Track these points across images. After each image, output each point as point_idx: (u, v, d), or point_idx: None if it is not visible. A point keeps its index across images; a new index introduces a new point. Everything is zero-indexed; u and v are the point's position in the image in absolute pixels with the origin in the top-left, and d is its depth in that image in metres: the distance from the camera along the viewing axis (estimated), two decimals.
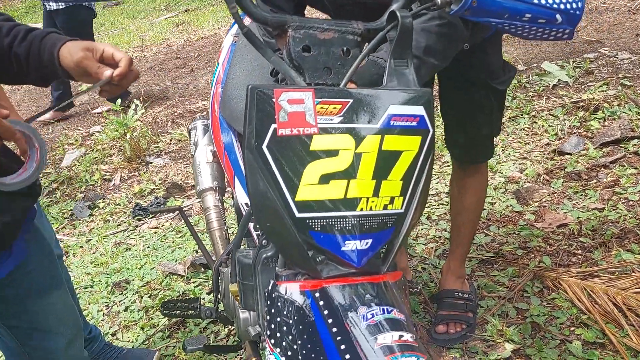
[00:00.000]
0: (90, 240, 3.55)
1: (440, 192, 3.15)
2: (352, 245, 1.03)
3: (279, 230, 1.02)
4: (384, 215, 1.05)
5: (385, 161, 1.04)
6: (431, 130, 1.08)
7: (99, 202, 3.97)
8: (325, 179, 1.00)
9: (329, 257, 1.05)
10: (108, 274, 3.05)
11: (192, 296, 2.54)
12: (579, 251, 2.45)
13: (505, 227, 2.71)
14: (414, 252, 2.69)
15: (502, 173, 3.16)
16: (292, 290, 1.04)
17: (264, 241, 1.21)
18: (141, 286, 2.87)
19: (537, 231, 2.60)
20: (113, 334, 2.56)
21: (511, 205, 2.85)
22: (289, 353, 1.04)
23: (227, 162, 1.64)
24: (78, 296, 2.86)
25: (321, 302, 1.01)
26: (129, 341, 2.48)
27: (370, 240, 1.04)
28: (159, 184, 3.98)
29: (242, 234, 1.40)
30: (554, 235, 2.57)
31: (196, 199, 3.51)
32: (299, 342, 1.02)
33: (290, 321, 1.04)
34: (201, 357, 2.21)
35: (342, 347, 0.95)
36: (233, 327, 2.11)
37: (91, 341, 2.24)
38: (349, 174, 1.01)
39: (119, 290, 2.89)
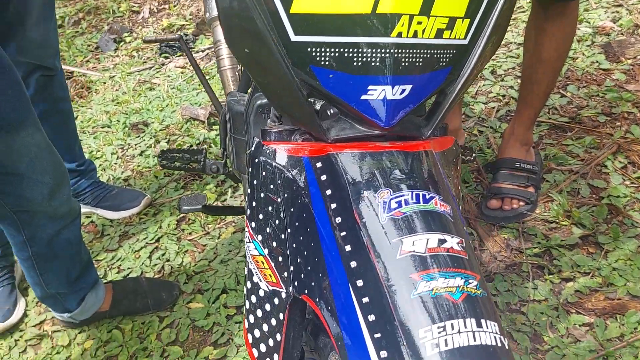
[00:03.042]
0: (113, 76, 3.25)
1: (510, 43, 2.66)
2: (379, 93, 0.65)
3: (263, 62, 0.64)
4: (437, 47, 0.66)
5: None
6: None
7: (126, 36, 3.61)
8: None
9: (342, 110, 0.68)
10: (127, 114, 2.77)
11: (202, 147, 2.23)
12: None
13: (587, 88, 2.24)
14: (470, 111, 2.28)
15: (589, 22, 2.61)
16: (282, 155, 0.69)
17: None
18: (160, 130, 2.58)
19: (627, 94, 2.12)
20: (125, 179, 2.31)
21: (597, 62, 2.35)
22: (274, 245, 0.70)
23: None
24: (94, 136, 2.62)
25: (323, 177, 0.65)
26: (141, 188, 2.24)
27: (409, 87, 0.66)
28: (190, 19, 3.57)
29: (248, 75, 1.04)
30: None
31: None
32: (288, 231, 0.68)
33: (278, 199, 0.69)
34: (213, 221, 1.95)
35: (347, 248, 0.60)
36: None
37: (81, 175, 2.07)
38: None
39: (136, 133, 2.61)
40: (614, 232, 1.64)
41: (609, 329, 1.43)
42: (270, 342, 0.72)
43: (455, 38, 0.67)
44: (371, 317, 0.56)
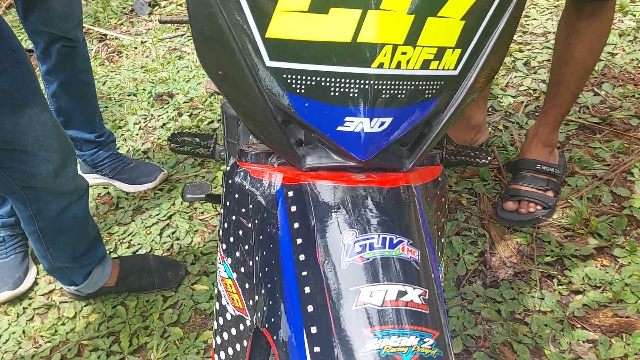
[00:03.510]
0: (145, 42, 3.25)
1: (548, 33, 2.55)
2: (356, 125, 0.62)
3: (236, 86, 0.62)
4: (422, 79, 0.62)
5: None
6: None
7: (161, 0, 3.60)
8: (321, 3, 0.57)
9: (319, 140, 0.65)
10: (153, 83, 2.77)
11: (214, 133, 2.22)
12: None
13: (623, 87, 2.15)
14: (498, 105, 2.21)
15: (634, 15, 2.49)
16: (255, 179, 0.66)
17: None
18: (183, 102, 2.58)
19: None
20: (145, 152, 2.32)
21: (638, 59, 2.24)
22: (242, 270, 0.69)
23: None
24: (119, 103, 2.63)
25: (293, 208, 0.63)
26: (159, 162, 2.25)
27: (389, 120, 0.62)
28: None
29: None
30: None
31: None
32: (256, 259, 0.66)
33: (249, 225, 0.67)
34: None
35: (307, 290, 0.58)
36: None
37: (100, 146, 2.08)
38: None
39: (160, 104, 2.61)
40: (631, 246, 1.58)
41: (613, 347, 1.39)
42: None
43: (444, 69, 0.63)
44: None
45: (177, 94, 2.65)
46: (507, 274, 1.61)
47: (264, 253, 0.65)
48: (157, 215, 2.00)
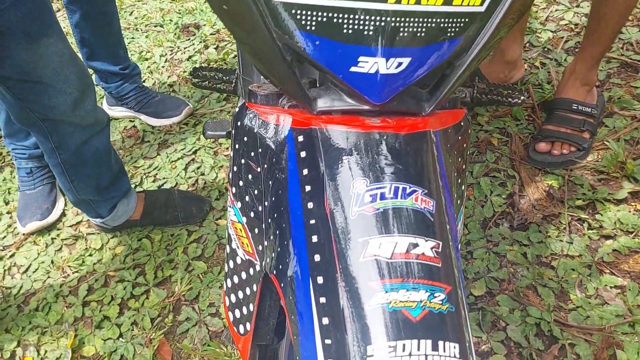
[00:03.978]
0: None
1: None
2: (370, 66, 0.57)
3: (243, 22, 0.58)
4: (445, 16, 0.58)
5: None
6: None
7: None
8: None
9: (331, 81, 0.62)
10: (180, 14, 2.72)
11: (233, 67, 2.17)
12: None
13: None
14: (536, 40, 2.11)
15: None
16: (265, 121, 0.63)
17: None
18: (210, 34, 2.52)
19: None
20: (170, 85, 2.30)
21: None
22: (251, 215, 0.67)
23: None
24: (146, 34, 2.59)
25: (302, 154, 0.60)
26: (184, 95, 2.22)
27: (407, 60, 0.58)
28: None
29: None
30: None
31: None
32: (265, 204, 0.64)
33: (258, 169, 0.65)
34: None
35: (314, 239, 0.56)
36: None
37: (125, 78, 2.06)
38: None
39: (187, 36, 2.56)
40: None
41: None
42: (244, 309, 0.71)
43: (468, 5, 0.58)
44: (325, 320, 0.52)
45: (204, 25, 2.60)
46: (535, 217, 1.57)
47: (273, 199, 0.62)
48: (182, 149, 1.99)
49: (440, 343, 0.49)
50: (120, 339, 1.54)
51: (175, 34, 2.57)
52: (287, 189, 0.60)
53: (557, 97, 1.74)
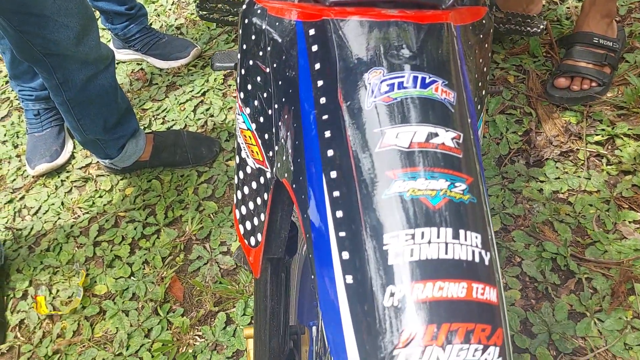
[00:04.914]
0: None
1: None
2: None
3: None
4: None
5: None
6: None
7: None
8: None
9: None
10: None
11: None
12: None
13: None
14: None
15: None
16: (273, 16, 0.60)
17: None
18: None
19: None
20: (178, 27, 2.25)
21: None
22: (261, 120, 0.64)
23: None
24: None
25: (314, 48, 0.56)
26: (192, 37, 2.17)
27: None
28: None
29: None
30: None
31: None
32: (275, 106, 0.61)
33: (267, 69, 0.61)
34: None
35: (327, 134, 0.53)
36: None
37: (131, 19, 2.01)
38: None
39: None
40: None
41: None
42: (255, 220, 0.68)
43: None
44: (339, 214, 0.49)
45: None
46: (552, 153, 1.53)
47: (283, 99, 0.59)
48: (190, 91, 1.96)
49: (462, 232, 0.46)
50: (132, 277, 1.54)
51: None
52: (298, 86, 0.57)
53: (576, 30, 1.68)
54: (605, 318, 1.23)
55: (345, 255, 0.48)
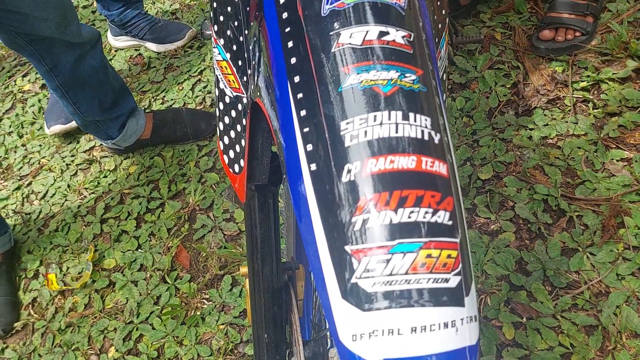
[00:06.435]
0: None
1: None
2: None
3: None
4: None
5: None
6: None
7: None
8: None
9: None
10: None
11: None
12: None
13: None
14: None
15: None
16: None
17: None
18: None
19: None
20: (173, 13, 2.29)
21: None
22: (234, 48, 0.68)
23: None
24: None
25: None
26: (188, 22, 2.22)
27: None
28: None
29: None
30: None
31: None
32: (245, 32, 0.65)
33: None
34: None
35: (289, 45, 0.57)
36: None
37: (127, 4, 2.06)
38: None
39: None
40: None
41: None
42: (237, 147, 0.73)
43: None
44: (302, 112, 0.54)
45: None
46: (540, 101, 1.56)
47: (251, 23, 0.63)
48: (188, 71, 2.01)
49: (411, 114, 0.51)
50: (139, 249, 1.59)
51: None
52: (263, 7, 0.61)
53: None
54: (597, 252, 1.27)
55: (309, 147, 0.52)
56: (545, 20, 1.68)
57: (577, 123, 1.48)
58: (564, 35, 1.64)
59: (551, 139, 1.48)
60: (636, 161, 1.37)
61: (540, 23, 1.71)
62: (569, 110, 1.52)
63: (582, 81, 1.56)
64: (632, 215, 1.29)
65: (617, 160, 1.39)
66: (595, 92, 1.54)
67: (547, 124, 1.50)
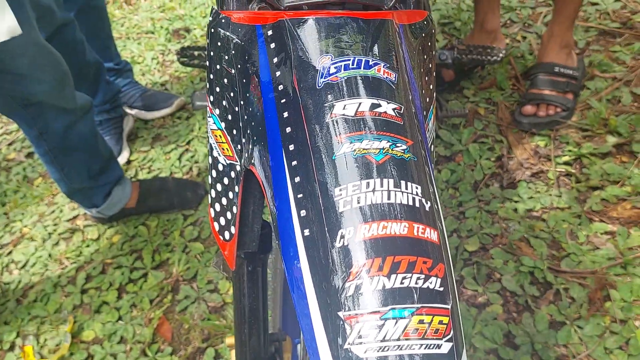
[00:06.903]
0: None
1: None
2: None
3: None
4: None
5: None
6: None
7: None
8: None
9: None
10: (170, 21, 2.77)
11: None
12: None
13: None
14: (516, 16, 2.15)
15: None
16: (237, 23, 0.66)
17: None
18: (200, 36, 2.58)
19: None
20: (162, 84, 2.34)
21: None
22: (229, 118, 0.69)
23: None
24: (137, 41, 2.65)
25: (272, 45, 0.62)
26: (177, 92, 2.26)
27: None
28: None
29: None
30: None
31: None
32: (241, 102, 0.67)
33: (233, 71, 0.67)
34: None
35: (285, 115, 0.58)
36: None
37: (118, 73, 2.12)
38: None
39: (177, 38, 2.62)
40: None
41: (631, 237, 1.37)
42: (229, 214, 0.73)
43: None
44: (297, 179, 0.54)
45: (194, 29, 2.65)
46: (524, 174, 1.59)
47: (247, 95, 0.65)
48: (175, 141, 2.03)
49: (403, 182, 0.52)
50: (120, 321, 1.56)
51: (166, 38, 2.62)
52: (259, 80, 0.63)
53: (539, 62, 1.78)
54: (584, 325, 1.26)
55: (303, 213, 0.53)
56: (526, 96, 1.74)
57: (560, 196, 1.51)
58: (545, 111, 1.70)
59: (536, 211, 1.50)
60: (619, 234, 1.38)
61: (522, 99, 1.77)
62: (553, 184, 1.54)
63: (564, 155, 1.60)
64: (618, 289, 1.30)
65: (601, 234, 1.41)
66: (577, 166, 1.57)
67: (531, 197, 1.53)
